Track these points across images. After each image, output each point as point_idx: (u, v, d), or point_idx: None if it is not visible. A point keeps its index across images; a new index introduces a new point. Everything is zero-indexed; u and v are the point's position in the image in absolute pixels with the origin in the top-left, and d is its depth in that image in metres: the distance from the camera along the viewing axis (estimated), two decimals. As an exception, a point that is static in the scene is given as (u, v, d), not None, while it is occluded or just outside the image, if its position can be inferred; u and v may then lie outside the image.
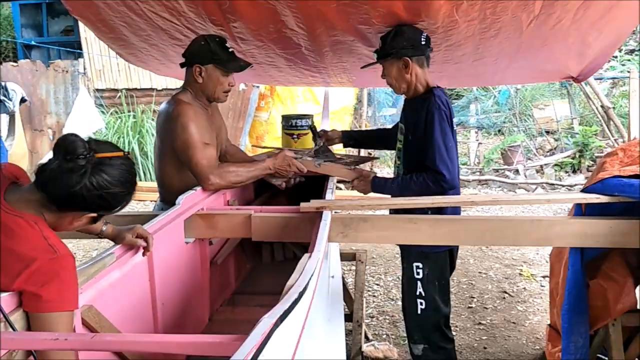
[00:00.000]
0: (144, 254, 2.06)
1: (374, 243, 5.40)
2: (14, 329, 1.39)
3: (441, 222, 2.46)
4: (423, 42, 2.65)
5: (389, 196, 2.79)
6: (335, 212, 2.51)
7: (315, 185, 3.12)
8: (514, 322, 4.16)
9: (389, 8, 2.49)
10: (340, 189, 8.26)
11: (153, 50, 3.43)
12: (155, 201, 3.16)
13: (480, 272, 5.22)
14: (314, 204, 2.44)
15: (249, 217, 2.52)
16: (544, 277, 4.87)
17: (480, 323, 4.17)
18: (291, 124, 3.63)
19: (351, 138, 3.44)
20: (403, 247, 2.85)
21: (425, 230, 2.45)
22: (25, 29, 11.73)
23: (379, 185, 2.82)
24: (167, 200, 2.76)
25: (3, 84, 7.32)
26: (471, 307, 4.46)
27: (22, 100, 7.43)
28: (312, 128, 3.38)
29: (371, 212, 3.46)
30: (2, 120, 7.58)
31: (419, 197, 2.55)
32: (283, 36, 2.92)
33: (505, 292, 4.72)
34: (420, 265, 2.74)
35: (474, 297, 4.64)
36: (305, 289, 1.49)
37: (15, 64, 9.73)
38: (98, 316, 1.78)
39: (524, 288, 4.80)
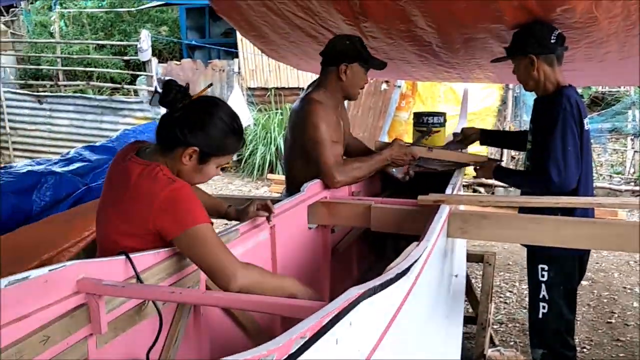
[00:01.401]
0: (268, 221, 2.20)
1: (494, 241, 5.23)
2: (141, 281, 1.58)
3: (566, 224, 2.36)
4: (553, 41, 2.56)
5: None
6: (455, 208, 2.51)
7: (440, 182, 3.12)
8: (656, 343, 3.86)
9: (520, 4, 2.43)
10: (480, 192, 8.06)
11: (292, 47, 3.62)
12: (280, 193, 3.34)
13: (624, 287, 4.87)
14: (431, 197, 2.46)
15: (368, 208, 2.59)
16: (697, 298, 4.45)
17: (618, 339, 3.92)
18: (422, 121, 3.64)
19: (489, 136, 3.41)
20: (529, 249, 2.78)
21: (549, 232, 2.36)
22: (190, 30, 12.72)
23: (500, 173, 2.86)
24: (293, 192, 2.91)
25: (163, 78, 8.03)
26: (610, 323, 4.19)
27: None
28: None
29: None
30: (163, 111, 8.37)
31: (542, 197, 2.47)
32: (413, 35, 2.95)
33: (651, 311, 4.38)
34: (546, 267, 2.67)
35: (614, 313, 4.35)
36: (405, 272, 1.53)
37: (178, 62, 10.61)
38: (219, 285, 1.95)
39: (674, 308, 4.42)
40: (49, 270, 1.41)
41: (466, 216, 2.47)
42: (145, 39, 9.19)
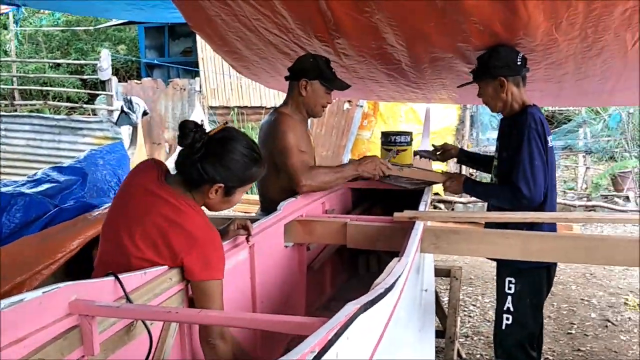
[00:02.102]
0: (247, 240, 2.25)
1: (465, 256, 5.37)
2: (131, 302, 1.60)
3: (533, 239, 2.47)
4: (519, 63, 2.68)
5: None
6: (428, 224, 2.59)
7: (411, 199, 3.22)
8: (615, 351, 4.01)
9: (487, 26, 2.55)
10: (440, 208, 8.24)
11: (264, 63, 3.67)
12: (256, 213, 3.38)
13: (582, 299, 5.05)
14: (406, 214, 2.54)
15: (344, 225, 2.65)
16: (651, 307, 4.65)
17: (579, 349, 4.05)
18: (390, 140, 3.72)
19: (465, 155, 3.49)
20: (498, 262, 2.88)
21: (517, 246, 2.47)
22: (149, 50, 12.67)
23: (470, 186, 2.96)
24: (267, 209, 2.96)
25: (128, 97, 7.98)
26: (571, 334, 4.33)
27: (145, 113, 8.07)
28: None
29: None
30: (126, 130, 8.30)
31: (510, 212, 2.58)
32: (384, 52, 3.05)
33: (608, 321, 4.54)
34: (513, 280, 2.75)
35: (574, 324, 4.50)
36: (391, 287, 1.59)
37: (138, 81, 10.55)
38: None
39: (629, 318, 4.60)
40: (43, 293, 1.42)
41: (438, 232, 2.55)
42: (105, 58, 9.10)
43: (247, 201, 7.62)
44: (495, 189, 2.85)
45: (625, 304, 4.91)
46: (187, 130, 1.80)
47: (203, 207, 1.94)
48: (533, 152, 2.59)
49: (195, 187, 1.85)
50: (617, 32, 2.57)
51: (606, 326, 4.45)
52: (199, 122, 1.86)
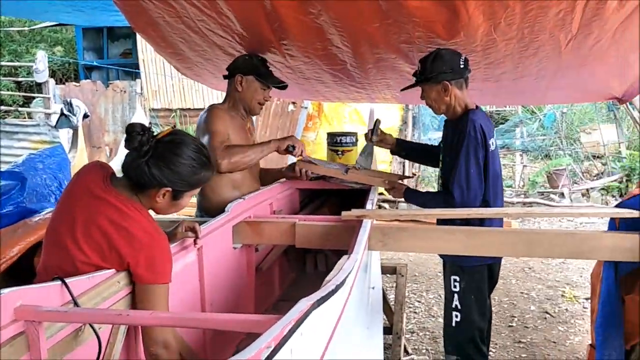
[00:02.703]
0: (195, 243, 2.23)
1: (412, 252, 5.49)
2: (78, 306, 1.57)
3: (476, 234, 2.56)
4: (462, 66, 2.73)
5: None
6: (375, 221, 2.63)
7: (358, 199, 3.26)
8: (554, 342, 4.17)
9: (429, 28, 2.61)
10: (385, 208, 8.36)
11: (208, 65, 3.65)
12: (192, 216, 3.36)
13: (522, 293, 5.22)
14: (354, 212, 2.57)
15: (293, 225, 2.67)
16: (586, 299, 4.84)
17: (520, 341, 4.19)
18: (336, 141, 3.78)
19: (403, 148, 3.43)
20: (444, 261, 2.96)
21: (461, 241, 2.54)
22: (87, 51, 12.33)
23: (409, 196, 3.01)
24: (204, 208, 2.98)
25: (68, 100, 7.76)
26: (512, 326, 4.48)
27: (85, 116, 7.84)
28: (377, 122, 3.34)
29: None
30: (66, 134, 8.06)
31: (455, 210, 2.65)
32: (329, 53, 3.08)
33: (547, 313, 4.72)
34: (457, 278, 2.82)
35: (515, 317, 4.66)
36: (342, 284, 1.62)
37: (77, 84, 10.27)
38: (153, 308, 1.96)
39: (566, 309, 4.79)
40: (-13, 299, 1.38)
41: (386, 229, 2.60)
42: (41, 60, 8.81)
43: (192, 204, 7.51)
44: (431, 197, 2.93)
45: (563, 296, 5.11)
46: (134, 133, 1.78)
47: (150, 211, 1.92)
48: (470, 160, 2.65)
49: (142, 190, 1.83)
50: (551, 32, 2.67)
51: (545, 318, 4.62)
52: (147, 125, 1.84)
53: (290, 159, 8.66)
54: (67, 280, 1.60)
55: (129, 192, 1.83)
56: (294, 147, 3.03)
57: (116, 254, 1.75)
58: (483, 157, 2.69)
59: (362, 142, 4.69)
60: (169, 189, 1.82)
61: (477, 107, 2.84)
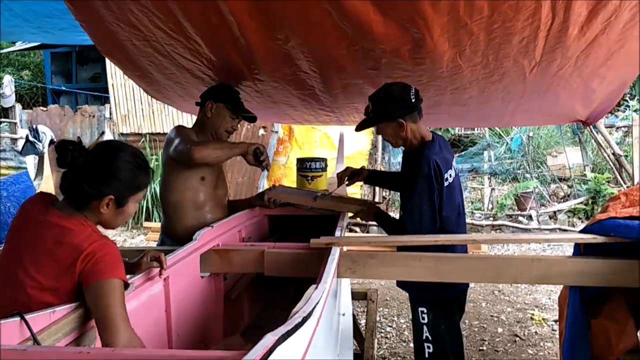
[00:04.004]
0: (160, 274, 2.18)
1: (381, 279, 5.48)
2: (38, 343, 1.52)
3: (445, 260, 2.56)
4: (413, 100, 2.71)
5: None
6: (344, 249, 2.63)
7: (328, 225, 3.26)
8: (524, 365, 4.19)
9: (395, 54, 2.64)
10: (356, 231, 8.37)
11: (177, 87, 3.64)
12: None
13: (492, 316, 5.25)
14: (323, 240, 2.56)
15: (262, 253, 2.64)
16: (555, 321, 4.89)
17: (490, 365, 4.21)
18: (305, 166, 3.78)
19: (374, 178, 3.53)
20: (410, 293, 2.95)
21: (430, 267, 2.55)
22: (55, 75, 12.20)
23: (380, 217, 3.03)
24: (169, 232, 2.97)
25: (34, 126, 7.65)
26: (482, 350, 4.49)
27: (51, 142, 7.75)
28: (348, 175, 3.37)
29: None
30: (32, 160, 7.93)
31: (423, 235, 2.66)
32: (297, 78, 3.11)
33: (517, 336, 4.74)
34: (425, 310, 2.81)
35: (485, 340, 4.67)
36: (309, 315, 1.60)
37: (44, 108, 10.12)
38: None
39: (535, 332, 4.82)
40: (-62, 338, 1.33)
41: (355, 256, 2.59)
42: (8, 85, 8.69)
43: (156, 229, 7.43)
44: (391, 225, 2.94)
45: (532, 318, 5.14)
46: (65, 150, 1.78)
47: (101, 228, 1.89)
48: (422, 198, 2.67)
49: (85, 205, 1.81)
50: (515, 59, 2.74)
51: (515, 341, 4.64)
52: (76, 140, 1.83)
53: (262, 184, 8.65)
54: (27, 316, 1.55)
55: (71, 210, 1.81)
56: (261, 153, 3.03)
57: (63, 268, 1.71)
58: (438, 193, 2.70)
59: (332, 166, 4.72)
60: (112, 196, 1.80)
61: (434, 137, 2.84)
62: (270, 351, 1.22)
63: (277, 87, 3.35)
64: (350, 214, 3.30)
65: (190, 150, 2.81)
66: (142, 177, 1.88)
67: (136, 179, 1.86)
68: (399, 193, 3.34)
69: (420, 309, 2.81)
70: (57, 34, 5.15)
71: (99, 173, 1.78)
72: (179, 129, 3.03)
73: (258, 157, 3.02)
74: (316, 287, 1.90)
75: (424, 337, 2.81)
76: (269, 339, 1.25)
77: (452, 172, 2.79)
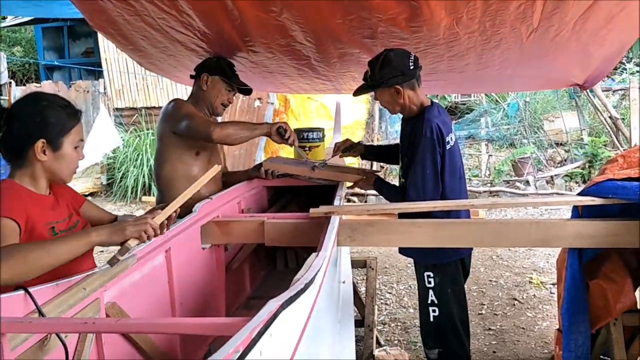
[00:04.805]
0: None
1: (380, 246, 5.53)
2: (43, 315, 1.54)
3: (443, 225, 2.58)
4: (411, 67, 2.72)
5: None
6: (343, 218, 2.64)
7: (327, 194, 3.27)
8: (523, 328, 4.25)
9: (392, 23, 2.62)
10: (354, 202, 8.39)
11: (170, 60, 3.61)
12: None
13: (490, 280, 5.31)
14: (322, 209, 2.58)
15: (262, 224, 2.66)
16: (553, 284, 4.95)
17: (490, 329, 4.26)
18: (303, 137, 3.77)
19: (370, 153, 3.51)
20: (414, 259, 2.96)
21: (429, 233, 2.57)
22: (48, 51, 12.08)
23: (378, 186, 3.03)
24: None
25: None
26: (481, 314, 4.55)
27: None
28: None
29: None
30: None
31: (421, 203, 2.67)
32: (293, 49, 3.08)
33: (515, 299, 4.80)
34: (431, 274, 2.83)
35: (484, 304, 4.73)
36: (311, 282, 1.62)
37: (38, 85, 10.04)
38: (121, 312, 1.94)
39: (534, 295, 4.89)
40: (-54, 313, 1.34)
41: (354, 225, 2.61)
42: (1, 61, 8.61)
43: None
44: (392, 192, 2.95)
45: (530, 282, 5.21)
46: None
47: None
48: (426, 162, 2.68)
49: (23, 161, 1.82)
50: (513, 25, 2.71)
51: (514, 305, 4.70)
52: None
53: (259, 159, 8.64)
54: (31, 289, 1.56)
55: (14, 172, 1.83)
56: (285, 130, 3.00)
57: None
58: (440, 157, 2.71)
59: (329, 137, 4.71)
60: (42, 140, 1.80)
61: (432, 103, 2.84)
62: (275, 316, 1.24)
63: (272, 57, 3.32)
64: (348, 184, 3.31)
65: (210, 131, 2.78)
66: (65, 115, 1.87)
67: (60, 117, 1.85)
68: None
69: (426, 273, 2.83)
70: (46, 6, 5.09)
71: (23, 121, 1.79)
72: (180, 104, 2.99)
73: (282, 135, 2.99)
74: (317, 255, 1.92)
75: (430, 301, 2.83)
76: (273, 304, 1.27)
77: (452, 135, 2.81)
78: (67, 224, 1.92)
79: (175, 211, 1.95)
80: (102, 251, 4.70)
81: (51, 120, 1.83)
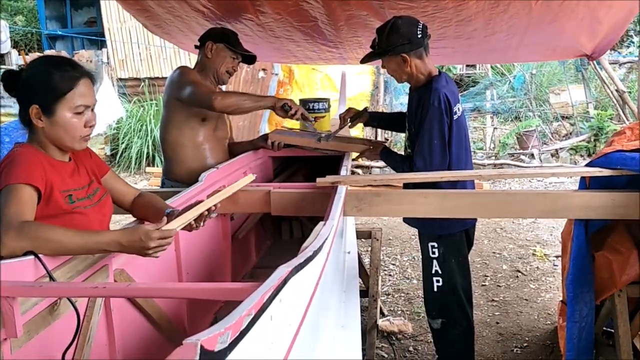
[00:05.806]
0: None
1: (387, 216, 5.54)
2: (54, 280, 1.55)
3: (450, 196, 2.58)
4: (419, 35, 2.69)
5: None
6: (350, 187, 2.64)
7: (332, 165, 3.26)
8: (526, 299, 4.27)
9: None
10: (359, 174, 8.39)
11: (177, 22, 3.59)
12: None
13: (494, 252, 5.33)
14: (329, 179, 2.57)
15: (268, 193, 2.66)
16: (556, 257, 4.95)
17: (493, 300, 4.29)
18: (308, 107, 3.73)
19: (374, 119, 3.49)
20: (419, 230, 2.96)
21: (435, 204, 2.57)
22: (50, 20, 11.99)
23: (384, 155, 3.03)
24: (171, 175, 3.01)
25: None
26: (485, 285, 4.57)
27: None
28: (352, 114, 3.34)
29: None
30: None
31: (428, 173, 2.66)
32: (300, 9, 3.07)
33: (519, 271, 4.82)
34: (435, 244, 2.82)
35: (487, 276, 4.75)
36: (319, 249, 1.63)
37: (40, 54, 9.97)
38: (129, 279, 1.95)
39: (537, 267, 4.90)
40: (-46, 277, 1.35)
41: (361, 195, 2.61)
42: (2, 30, 8.54)
43: (158, 173, 7.46)
44: (399, 162, 2.92)
45: (533, 254, 5.22)
46: (8, 81, 1.81)
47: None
48: (433, 131, 2.66)
49: (30, 127, 1.82)
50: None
51: (517, 276, 4.73)
52: (17, 69, 1.85)
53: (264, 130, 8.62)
54: (41, 255, 1.57)
55: (29, 138, 1.84)
56: (290, 107, 2.98)
57: None
58: (448, 127, 2.69)
59: (334, 108, 4.69)
60: (35, 105, 1.76)
61: (440, 72, 2.82)
62: (285, 281, 1.24)
63: (279, 19, 3.31)
64: (354, 155, 3.30)
65: (212, 99, 2.78)
66: (58, 77, 1.78)
67: (51, 80, 1.77)
68: (401, 134, 3.32)
69: (430, 243, 2.83)
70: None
71: (20, 86, 1.78)
72: (185, 71, 2.98)
73: (287, 112, 2.98)
74: (324, 224, 1.92)
75: (434, 272, 2.84)
76: (283, 269, 1.27)
77: (459, 106, 2.79)
78: (85, 192, 1.89)
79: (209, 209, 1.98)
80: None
81: (42, 84, 1.77)
